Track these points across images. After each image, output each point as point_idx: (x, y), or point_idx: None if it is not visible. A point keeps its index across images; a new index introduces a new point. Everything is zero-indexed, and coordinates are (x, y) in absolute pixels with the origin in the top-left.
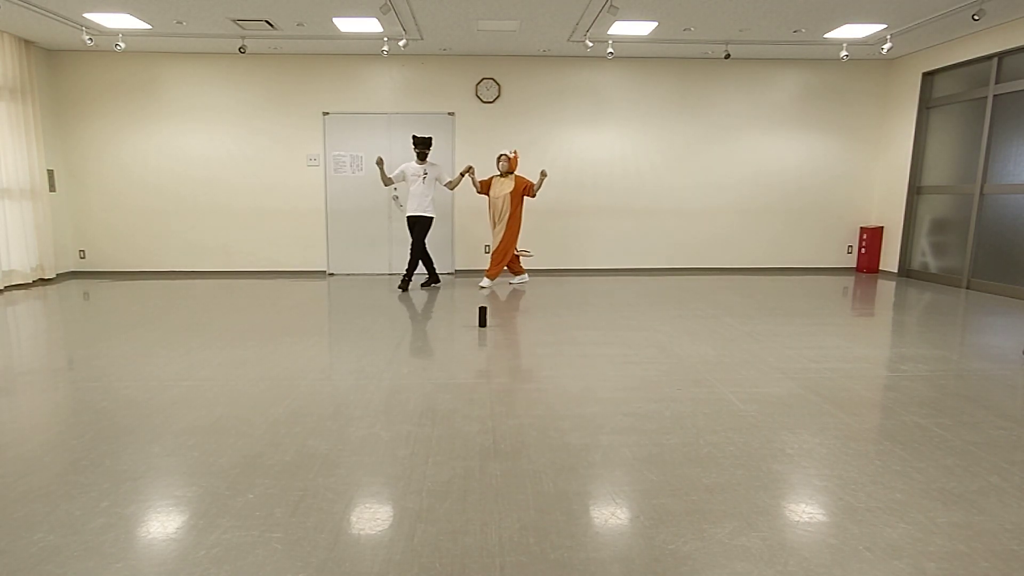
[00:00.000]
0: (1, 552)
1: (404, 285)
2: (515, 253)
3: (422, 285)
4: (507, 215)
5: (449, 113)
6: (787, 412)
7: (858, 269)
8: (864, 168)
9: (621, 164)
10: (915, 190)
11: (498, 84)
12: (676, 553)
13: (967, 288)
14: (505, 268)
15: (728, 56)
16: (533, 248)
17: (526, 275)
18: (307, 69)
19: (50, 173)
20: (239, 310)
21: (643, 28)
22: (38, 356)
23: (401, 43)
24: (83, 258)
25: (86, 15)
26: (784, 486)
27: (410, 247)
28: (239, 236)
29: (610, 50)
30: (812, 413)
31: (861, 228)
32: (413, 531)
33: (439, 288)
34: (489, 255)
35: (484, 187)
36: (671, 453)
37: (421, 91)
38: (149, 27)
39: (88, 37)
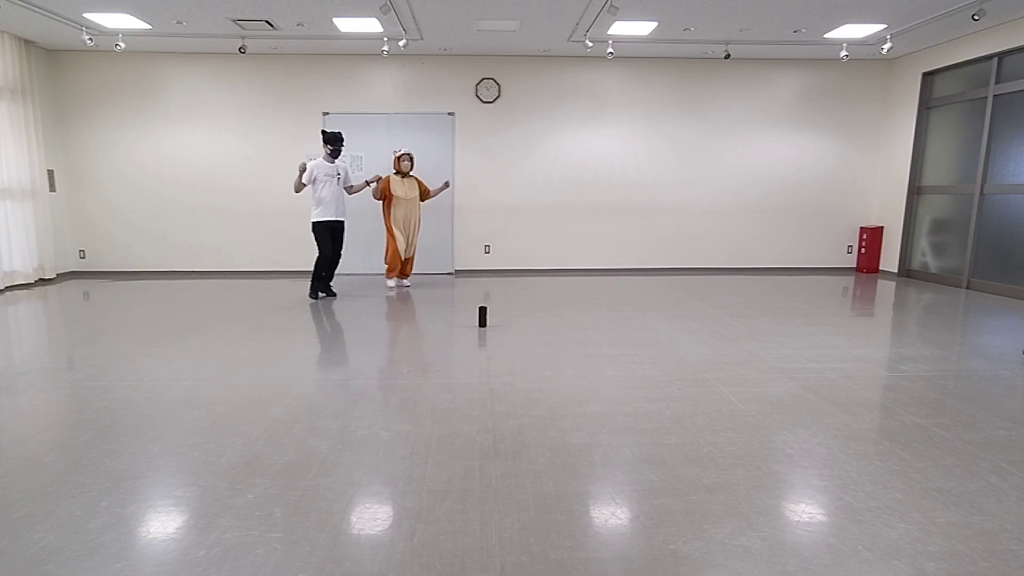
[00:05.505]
0: (1, 552)
1: (327, 290)
2: (408, 256)
3: (319, 295)
4: (417, 218)
5: (449, 113)
6: (787, 412)
7: (858, 269)
8: (864, 168)
9: (621, 164)
10: (915, 190)
11: (498, 84)
12: (676, 553)
13: (967, 288)
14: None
15: (728, 56)
16: (536, 248)
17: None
18: (307, 69)
19: (50, 173)
20: (239, 310)
21: (643, 28)
22: (38, 356)
23: (401, 43)
24: (83, 258)
25: (86, 15)
26: (784, 486)
27: (332, 253)
28: (239, 236)
29: (610, 50)
30: (812, 413)
31: (861, 228)
32: (413, 531)
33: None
34: (402, 259)
35: (385, 190)
36: (671, 453)
37: (421, 91)
38: (149, 27)
39: (88, 37)
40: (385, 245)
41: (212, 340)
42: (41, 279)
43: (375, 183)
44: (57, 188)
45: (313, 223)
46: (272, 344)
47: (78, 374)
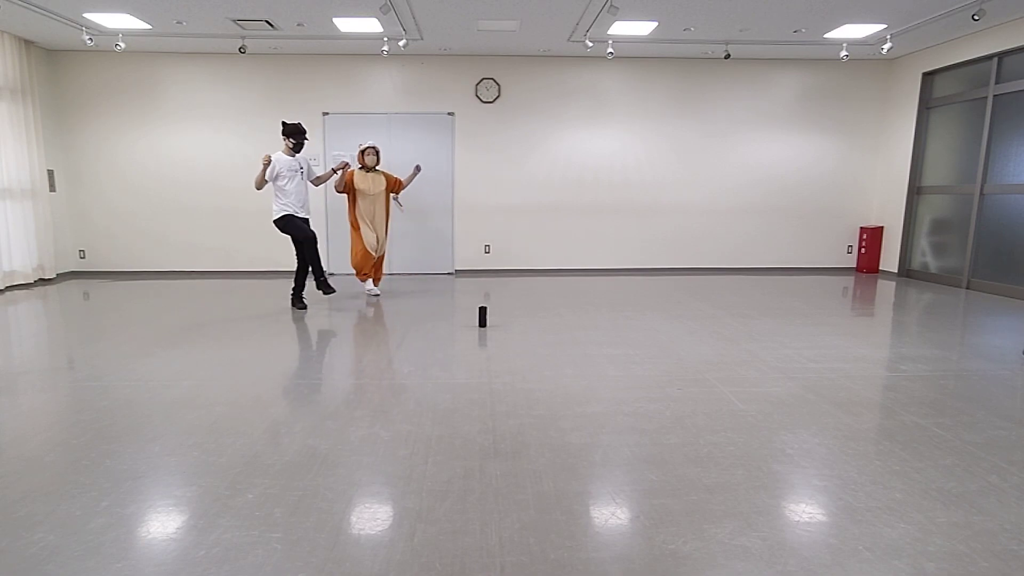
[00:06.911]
0: (1, 552)
1: (299, 300)
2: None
3: (296, 304)
4: (384, 215)
5: (449, 113)
6: (787, 412)
7: (858, 269)
8: (864, 168)
9: (621, 164)
10: (915, 190)
11: (498, 84)
12: (676, 553)
13: (967, 288)
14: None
15: (728, 56)
16: (536, 248)
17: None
18: (307, 69)
19: (50, 173)
20: (239, 310)
21: (643, 28)
22: (38, 356)
23: (401, 43)
24: (83, 258)
25: (86, 15)
26: (784, 486)
27: (308, 251)
28: (239, 236)
29: (610, 50)
30: (812, 413)
31: (861, 228)
32: (413, 531)
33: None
34: (372, 258)
35: (348, 183)
36: (671, 453)
37: (421, 91)
38: (149, 27)
39: (88, 37)
40: (351, 245)
41: (212, 340)
42: (41, 279)
43: (341, 170)
44: (57, 188)
45: (279, 218)
46: (272, 344)
47: (78, 374)
